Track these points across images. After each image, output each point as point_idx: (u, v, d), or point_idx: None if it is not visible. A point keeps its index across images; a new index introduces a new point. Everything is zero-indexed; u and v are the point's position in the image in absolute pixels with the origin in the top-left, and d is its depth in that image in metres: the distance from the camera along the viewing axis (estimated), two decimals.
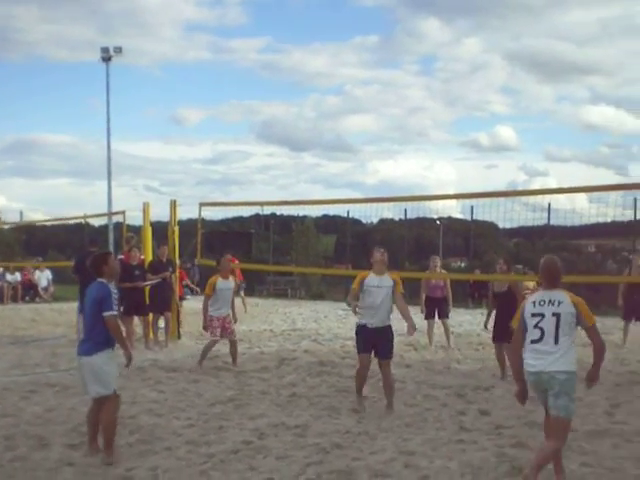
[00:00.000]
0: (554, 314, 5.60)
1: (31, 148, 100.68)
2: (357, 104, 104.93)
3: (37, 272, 26.69)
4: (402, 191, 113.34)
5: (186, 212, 19.11)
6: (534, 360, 5.60)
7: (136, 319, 13.46)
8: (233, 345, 11.38)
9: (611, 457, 6.34)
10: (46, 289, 26.63)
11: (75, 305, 13.95)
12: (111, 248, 27.45)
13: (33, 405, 8.48)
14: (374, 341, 8.31)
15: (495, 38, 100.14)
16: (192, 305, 17.65)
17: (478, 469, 5.99)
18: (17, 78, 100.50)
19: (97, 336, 6.25)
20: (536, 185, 76.88)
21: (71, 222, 32.28)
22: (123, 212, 17.79)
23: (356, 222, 35.52)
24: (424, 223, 37.48)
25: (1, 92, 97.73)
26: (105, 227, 34.53)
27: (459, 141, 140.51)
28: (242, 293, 19.41)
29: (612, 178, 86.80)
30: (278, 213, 31.67)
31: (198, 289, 18.68)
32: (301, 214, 35.14)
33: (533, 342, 5.63)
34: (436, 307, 13.78)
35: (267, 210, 20.03)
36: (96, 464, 6.17)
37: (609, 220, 15.23)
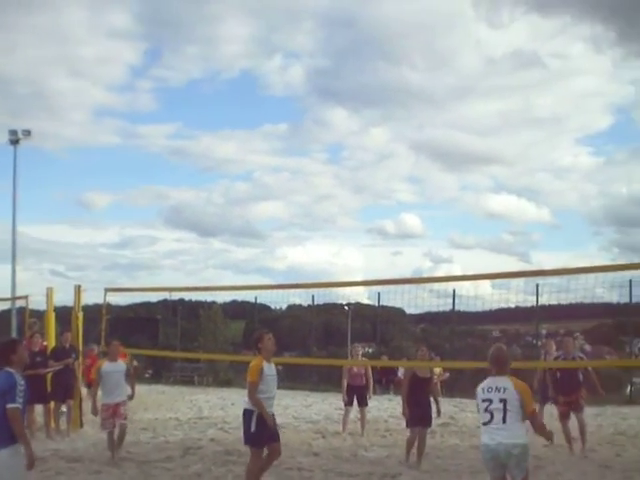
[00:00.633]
0: (501, 400, 6.27)
1: None
2: (266, 191, 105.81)
3: None
4: (310, 276, 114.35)
5: (92, 297, 18.76)
6: (489, 440, 6.26)
7: (38, 407, 13.00)
8: (121, 429, 10.81)
9: None
10: None
11: None
12: (14, 334, 26.62)
13: None
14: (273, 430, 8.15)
15: (400, 128, 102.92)
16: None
17: None
18: None
19: (1, 430, 5.95)
20: (441, 271, 78.74)
21: None
22: (26, 297, 17.42)
23: (265, 308, 35.51)
24: (332, 309, 37.78)
25: None
26: (8, 312, 33.53)
27: (366, 228, 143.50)
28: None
29: (514, 265, 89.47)
30: (186, 298, 31.44)
31: None
32: (209, 300, 34.99)
33: (484, 424, 6.34)
34: (355, 394, 13.85)
35: (175, 295, 19.90)
36: None
37: (512, 306, 15.64)
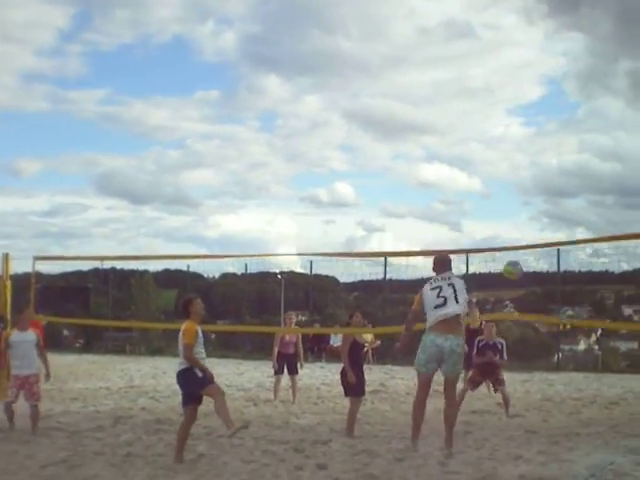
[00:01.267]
0: (449, 285, 8.16)
1: None
2: (198, 158, 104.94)
3: None
4: (244, 245, 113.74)
5: (21, 266, 18.38)
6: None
7: None
8: (33, 412, 10.32)
9: None
10: None
11: None
12: None
13: None
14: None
15: (334, 96, 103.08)
16: None
17: None
18: None
19: None
20: (373, 240, 79.48)
21: None
22: None
23: (197, 276, 35.34)
24: (266, 277, 37.77)
25: None
26: None
27: (299, 196, 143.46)
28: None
29: (446, 234, 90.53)
30: (118, 267, 30.99)
31: None
32: (141, 268, 34.62)
33: (437, 307, 8.03)
34: (286, 362, 13.93)
35: (107, 264, 19.65)
36: None
37: None
